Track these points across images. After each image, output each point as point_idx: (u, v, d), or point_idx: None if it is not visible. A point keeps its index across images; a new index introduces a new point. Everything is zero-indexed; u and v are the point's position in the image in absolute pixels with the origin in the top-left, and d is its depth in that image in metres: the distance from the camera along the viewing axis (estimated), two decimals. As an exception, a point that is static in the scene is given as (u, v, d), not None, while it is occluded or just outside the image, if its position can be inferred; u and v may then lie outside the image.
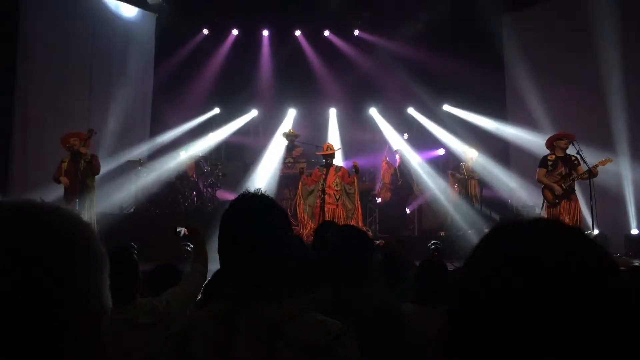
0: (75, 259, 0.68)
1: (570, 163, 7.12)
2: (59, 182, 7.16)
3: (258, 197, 1.42)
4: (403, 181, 10.16)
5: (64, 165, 7.19)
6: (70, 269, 0.67)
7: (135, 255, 2.36)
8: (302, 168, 8.39)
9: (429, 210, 9.96)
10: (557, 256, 0.63)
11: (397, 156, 10.48)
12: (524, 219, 0.71)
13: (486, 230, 0.74)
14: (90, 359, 0.69)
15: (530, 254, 0.64)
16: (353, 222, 7.77)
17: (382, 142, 11.67)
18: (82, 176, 7.12)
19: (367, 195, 10.33)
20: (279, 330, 1.24)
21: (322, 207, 7.80)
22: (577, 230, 0.68)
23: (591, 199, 6.90)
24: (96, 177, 7.40)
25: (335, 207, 7.96)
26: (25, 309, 0.62)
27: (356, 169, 8.11)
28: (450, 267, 3.40)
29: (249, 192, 1.44)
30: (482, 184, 9.73)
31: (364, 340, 1.97)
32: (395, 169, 10.27)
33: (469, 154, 9.74)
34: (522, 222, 0.70)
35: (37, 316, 0.63)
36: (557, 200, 7.09)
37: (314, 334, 1.24)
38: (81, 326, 0.67)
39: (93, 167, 7.24)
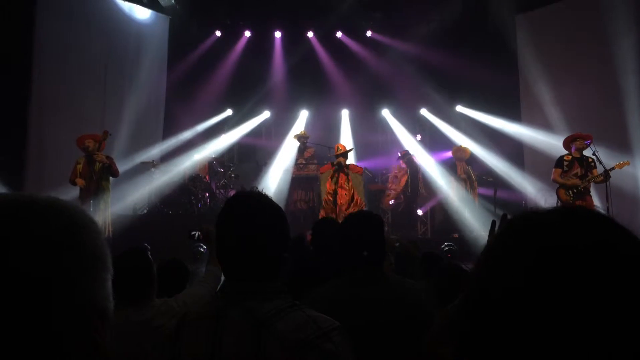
0: (72, 256, 0.65)
1: (587, 164, 7.05)
2: (74, 183, 7.22)
3: (252, 196, 1.45)
4: (410, 183, 10.13)
5: (79, 167, 7.26)
6: (65, 267, 0.64)
7: (150, 256, 2.36)
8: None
9: (442, 212, 9.90)
10: (591, 243, 0.59)
11: (401, 163, 10.41)
12: (544, 208, 0.67)
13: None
14: None
15: (560, 242, 0.60)
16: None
17: (395, 144, 11.63)
18: (97, 178, 7.18)
19: (379, 197, 10.30)
20: (266, 326, 1.25)
21: (334, 205, 7.83)
22: (606, 216, 0.65)
23: (607, 201, 6.82)
24: (110, 178, 7.46)
25: (347, 207, 7.99)
26: (15, 307, 0.60)
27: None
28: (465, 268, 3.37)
29: (244, 191, 1.49)
30: (482, 181, 9.65)
31: (392, 335, 1.94)
32: (407, 173, 10.24)
33: (462, 153, 9.65)
34: (545, 210, 0.66)
35: (28, 314, 0.61)
36: (571, 201, 7.02)
37: (300, 329, 1.24)
38: (78, 327, 0.65)
39: (113, 171, 7.32)
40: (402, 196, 10.20)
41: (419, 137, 11.92)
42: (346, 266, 2.17)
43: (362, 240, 2.14)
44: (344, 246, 2.20)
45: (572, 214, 0.65)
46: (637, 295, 0.56)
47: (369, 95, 11.91)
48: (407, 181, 10.13)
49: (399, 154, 10.60)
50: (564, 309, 0.57)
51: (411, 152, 10.67)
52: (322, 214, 8.07)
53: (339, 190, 7.93)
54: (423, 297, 2.13)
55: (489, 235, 1.41)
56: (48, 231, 0.65)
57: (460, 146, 9.89)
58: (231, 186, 10.00)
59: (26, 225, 0.64)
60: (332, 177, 8.06)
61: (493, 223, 1.41)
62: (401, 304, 2.02)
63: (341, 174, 8.05)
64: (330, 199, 7.91)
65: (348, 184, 8.04)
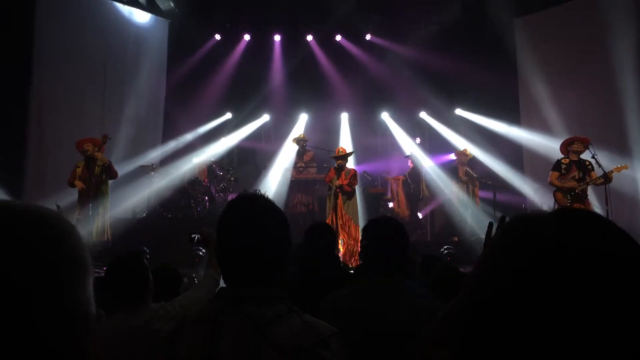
0: (51, 260, 0.66)
1: (584, 168, 7.04)
2: (73, 186, 7.22)
3: (253, 199, 1.43)
4: (411, 181, 10.14)
5: (79, 170, 7.25)
6: (48, 272, 0.65)
7: (146, 260, 2.36)
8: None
9: (442, 215, 9.90)
10: (582, 247, 0.59)
11: (409, 162, 10.41)
12: (543, 211, 0.68)
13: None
14: None
15: (554, 245, 0.60)
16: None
17: (395, 147, 11.65)
18: (97, 181, 7.16)
19: (379, 200, 10.29)
20: (263, 331, 1.23)
21: (334, 209, 7.82)
22: (602, 218, 0.65)
23: (607, 204, 6.81)
24: (109, 182, 7.45)
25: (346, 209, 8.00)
26: (2, 314, 0.60)
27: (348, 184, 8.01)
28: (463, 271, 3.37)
29: (246, 194, 1.45)
30: (482, 184, 9.64)
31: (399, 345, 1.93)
32: (405, 178, 10.24)
33: (463, 157, 9.65)
34: (542, 214, 0.67)
35: (16, 320, 0.61)
36: (568, 204, 7.01)
37: (298, 336, 1.23)
38: (64, 331, 0.65)
39: (112, 172, 7.30)
40: (404, 200, 10.20)
41: (418, 140, 11.93)
42: (363, 274, 2.15)
43: (375, 248, 2.11)
44: (362, 254, 2.17)
45: (567, 217, 0.65)
46: (626, 298, 0.56)
47: (369, 98, 11.91)
48: (403, 188, 10.14)
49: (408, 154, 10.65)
50: (554, 312, 0.57)
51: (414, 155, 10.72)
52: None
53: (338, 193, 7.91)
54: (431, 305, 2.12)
55: (486, 237, 1.42)
56: (30, 237, 0.65)
57: (464, 150, 9.89)
58: (230, 190, 9.99)
59: (7, 232, 0.65)
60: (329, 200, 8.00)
61: (490, 225, 1.41)
62: (410, 315, 2.00)
63: (340, 178, 8.02)
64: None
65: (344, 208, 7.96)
